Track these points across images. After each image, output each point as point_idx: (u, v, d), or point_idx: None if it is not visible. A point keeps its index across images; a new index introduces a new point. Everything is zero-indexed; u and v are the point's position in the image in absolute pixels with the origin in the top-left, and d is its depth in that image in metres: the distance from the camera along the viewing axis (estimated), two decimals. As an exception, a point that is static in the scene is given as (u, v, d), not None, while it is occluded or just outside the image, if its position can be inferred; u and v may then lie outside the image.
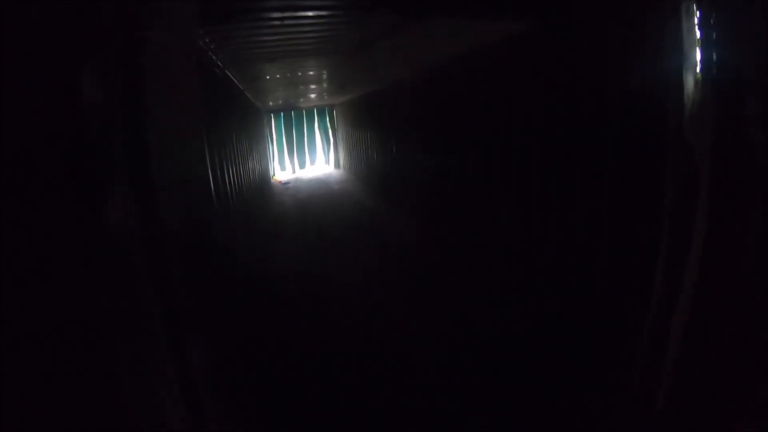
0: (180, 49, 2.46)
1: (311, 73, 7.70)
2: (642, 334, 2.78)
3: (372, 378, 3.59)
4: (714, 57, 2.66)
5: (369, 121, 11.88)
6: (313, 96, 12.73)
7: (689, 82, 2.71)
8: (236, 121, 7.09)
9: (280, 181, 15.35)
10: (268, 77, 7.49)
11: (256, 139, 10.97)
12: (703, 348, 2.26)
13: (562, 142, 3.88)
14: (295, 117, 17.09)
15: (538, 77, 4.17)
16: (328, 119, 17.63)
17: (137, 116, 1.90)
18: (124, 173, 1.82)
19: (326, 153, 18.18)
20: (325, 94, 12.44)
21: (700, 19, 2.68)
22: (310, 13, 3.74)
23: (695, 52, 2.73)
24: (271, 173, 15.64)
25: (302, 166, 17.70)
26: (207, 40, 4.16)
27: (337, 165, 17.66)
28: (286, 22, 3.94)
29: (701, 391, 2.26)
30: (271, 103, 13.70)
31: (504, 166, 4.90)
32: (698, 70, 2.72)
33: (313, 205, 11.36)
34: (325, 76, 8.28)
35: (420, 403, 3.30)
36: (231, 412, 3.01)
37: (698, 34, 2.71)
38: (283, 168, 17.49)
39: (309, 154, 17.77)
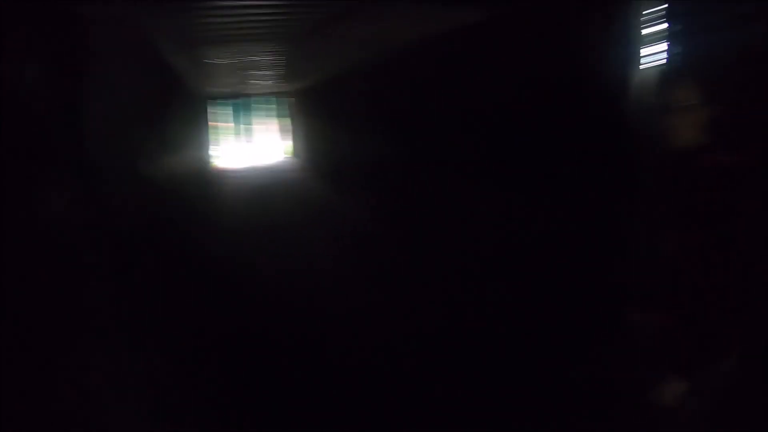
0: (122, 29, 2.29)
1: (262, 58, 7.46)
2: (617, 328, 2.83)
3: (334, 373, 3.50)
4: (667, 49, 2.71)
5: (322, 108, 11.69)
6: (264, 82, 12.39)
7: (642, 73, 2.75)
8: (184, 106, 6.81)
9: (228, 169, 14.97)
10: (217, 61, 7.22)
11: (204, 126, 10.63)
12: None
13: (516, 129, 3.89)
14: (246, 104, 16.65)
15: (493, 64, 4.15)
16: (281, 107, 17.26)
17: (71, 97, 1.74)
18: (59, 158, 1.66)
19: (277, 141, 17.81)
20: (277, 80, 12.13)
21: (656, 13, 2.72)
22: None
23: (647, 45, 2.78)
24: (219, 161, 15.22)
25: (252, 153, 17.32)
26: (154, 21, 3.94)
27: (288, 153, 17.34)
28: (236, 2, 3.76)
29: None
30: (221, 89, 13.25)
31: (461, 153, 4.88)
32: (651, 61, 2.76)
33: (262, 195, 11.10)
34: (277, 61, 8.04)
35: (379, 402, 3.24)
36: (197, 412, 2.89)
37: (655, 27, 2.76)
38: (232, 156, 17.08)
39: (259, 141, 17.38)
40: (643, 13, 2.76)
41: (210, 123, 14.37)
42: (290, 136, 17.25)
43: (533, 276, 3.86)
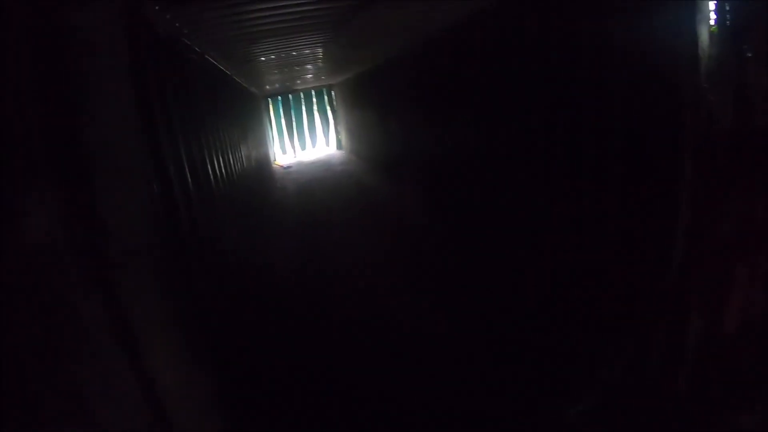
0: (124, 33, 2.24)
1: (305, 52, 7.41)
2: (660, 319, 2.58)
3: (373, 389, 3.36)
4: (727, 7, 2.38)
5: (367, 99, 11.61)
6: (310, 77, 12.46)
7: (704, 35, 2.43)
8: (224, 108, 6.85)
9: (281, 166, 15.14)
10: (263, 59, 7.22)
11: (252, 125, 10.74)
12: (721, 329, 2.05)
13: (564, 107, 3.58)
14: (293, 100, 16.80)
15: (534, 36, 3.86)
16: (326, 100, 17.32)
17: (65, 109, 1.70)
18: (49, 173, 1.62)
19: (326, 135, 17.91)
20: (321, 74, 12.16)
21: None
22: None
23: (708, 2, 2.46)
24: (272, 158, 15.43)
25: (303, 149, 17.48)
26: (177, 24, 3.92)
27: (338, 146, 17.43)
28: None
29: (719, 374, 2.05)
30: (267, 87, 13.42)
31: (504, 138, 4.63)
32: (712, 21, 2.45)
33: (315, 189, 11.16)
34: (319, 54, 7.99)
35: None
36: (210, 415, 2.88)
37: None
38: (284, 152, 17.27)
39: (309, 136, 17.51)
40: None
41: (263, 120, 14.58)
42: (337, 129, 17.32)
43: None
